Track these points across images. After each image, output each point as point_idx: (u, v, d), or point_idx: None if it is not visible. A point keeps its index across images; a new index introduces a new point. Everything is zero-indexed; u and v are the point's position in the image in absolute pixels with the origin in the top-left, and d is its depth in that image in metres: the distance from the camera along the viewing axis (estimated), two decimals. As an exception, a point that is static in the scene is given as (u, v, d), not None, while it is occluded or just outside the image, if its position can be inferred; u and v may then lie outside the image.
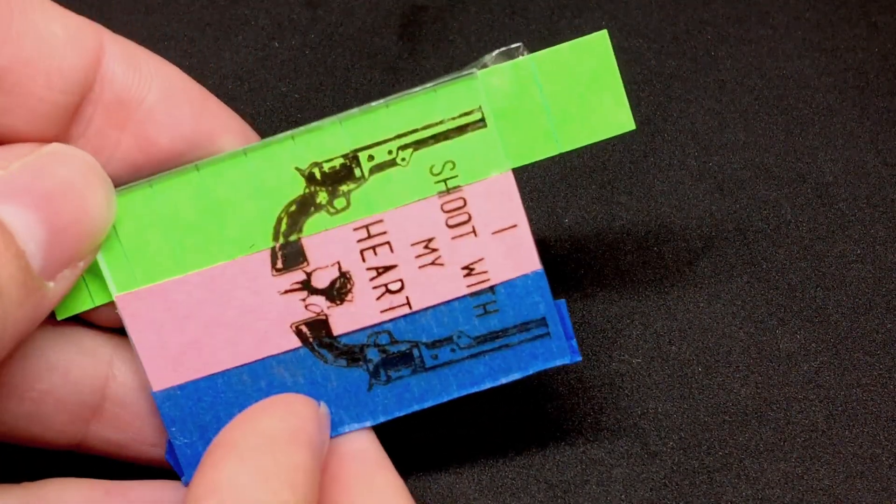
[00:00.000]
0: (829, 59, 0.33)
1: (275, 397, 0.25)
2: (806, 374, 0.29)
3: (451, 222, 0.24)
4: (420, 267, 0.25)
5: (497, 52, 0.24)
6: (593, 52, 0.24)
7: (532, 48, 0.24)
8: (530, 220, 0.25)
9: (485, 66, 0.24)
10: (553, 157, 0.25)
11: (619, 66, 0.24)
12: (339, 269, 0.25)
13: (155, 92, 0.24)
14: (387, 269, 0.25)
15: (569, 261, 0.31)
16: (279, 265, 0.25)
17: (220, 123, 0.25)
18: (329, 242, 0.25)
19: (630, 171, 0.32)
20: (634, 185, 0.31)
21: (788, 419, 0.29)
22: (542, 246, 0.30)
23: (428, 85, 0.24)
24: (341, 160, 0.24)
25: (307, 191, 0.24)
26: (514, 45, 0.24)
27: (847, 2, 0.34)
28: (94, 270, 0.24)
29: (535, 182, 0.32)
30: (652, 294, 0.30)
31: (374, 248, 0.25)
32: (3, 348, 0.21)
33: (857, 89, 0.33)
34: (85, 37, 0.23)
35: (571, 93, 0.24)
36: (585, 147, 0.25)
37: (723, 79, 0.33)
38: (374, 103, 0.24)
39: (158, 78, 0.24)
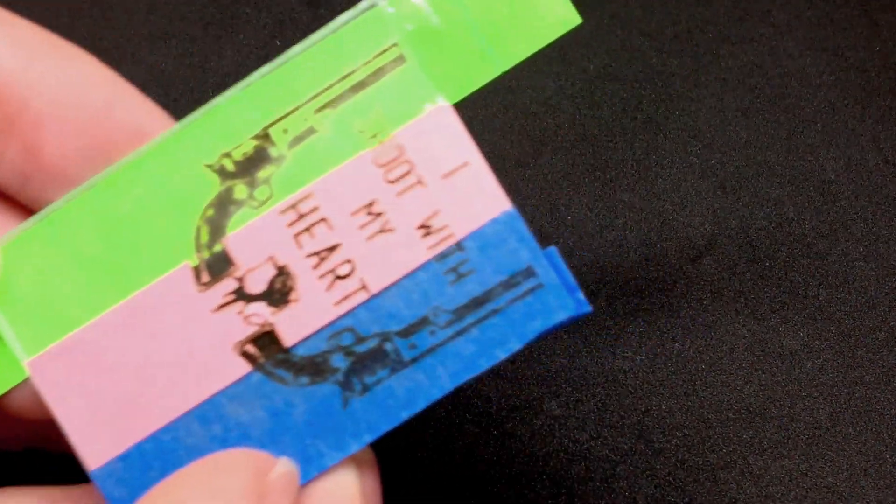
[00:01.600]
0: (830, 58, 0.33)
1: (200, 463, 0.20)
2: (809, 371, 0.29)
3: (391, 176, 0.21)
4: (368, 238, 0.21)
5: None
6: None
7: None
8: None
9: None
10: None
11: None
12: (275, 264, 0.21)
13: (46, 92, 0.20)
14: (329, 250, 0.21)
15: (571, 258, 0.31)
16: (204, 278, 0.21)
17: (132, 127, 0.21)
18: (255, 236, 0.21)
19: (632, 168, 0.32)
20: (637, 183, 0.31)
21: (792, 417, 0.29)
22: (545, 244, 0.30)
23: (328, 29, 0.21)
24: (253, 143, 0.21)
25: (223, 188, 0.21)
26: None
27: (848, 1, 0.34)
28: None
29: (537, 180, 0.31)
30: (655, 291, 0.30)
31: (308, 229, 0.21)
32: None
33: (859, 87, 0.33)
34: None
35: (498, 1, 0.21)
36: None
37: (724, 77, 0.33)
38: (273, 63, 0.21)
39: (53, 74, 0.20)
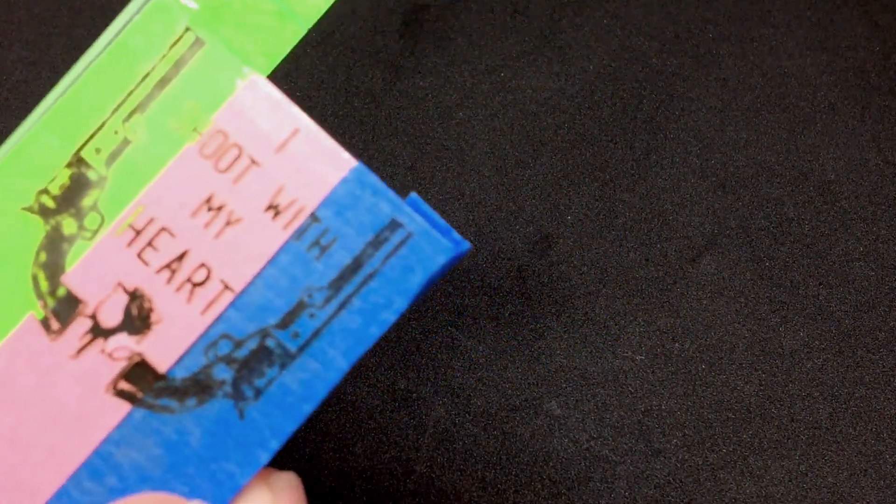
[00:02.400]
0: (830, 58, 0.33)
1: None
2: (809, 371, 0.29)
3: (222, 165, 0.19)
4: (215, 236, 0.19)
5: None
6: None
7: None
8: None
9: None
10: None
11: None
12: (125, 289, 0.19)
13: None
14: (179, 259, 0.19)
15: (572, 258, 0.31)
16: (54, 326, 0.19)
17: None
18: (95, 266, 0.19)
19: (632, 168, 0.32)
20: (637, 182, 0.31)
21: (792, 416, 0.29)
22: (545, 243, 0.30)
23: (112, 32, 0.19)
24: (68, 172, 0.19)
25: (49, 227, 0.19)
26: None
27: (848, 1, 0.34)
28: None
29: (537, 180, 0.31)
30: (655, 291, 0.30)
31: (150, 243, 0.19)
32: None
33: (859, 88, 0.33)
34: None
35: None
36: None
37: (725, 77, 0.33)
38: (62, 84, 0.19)
39: None
